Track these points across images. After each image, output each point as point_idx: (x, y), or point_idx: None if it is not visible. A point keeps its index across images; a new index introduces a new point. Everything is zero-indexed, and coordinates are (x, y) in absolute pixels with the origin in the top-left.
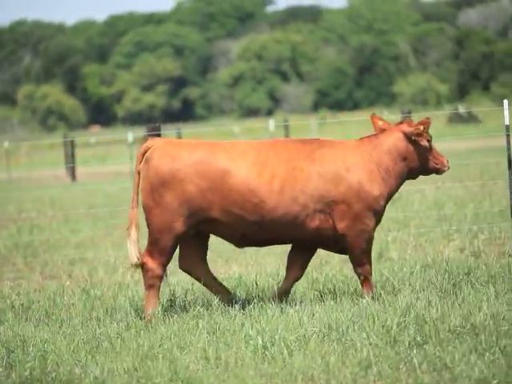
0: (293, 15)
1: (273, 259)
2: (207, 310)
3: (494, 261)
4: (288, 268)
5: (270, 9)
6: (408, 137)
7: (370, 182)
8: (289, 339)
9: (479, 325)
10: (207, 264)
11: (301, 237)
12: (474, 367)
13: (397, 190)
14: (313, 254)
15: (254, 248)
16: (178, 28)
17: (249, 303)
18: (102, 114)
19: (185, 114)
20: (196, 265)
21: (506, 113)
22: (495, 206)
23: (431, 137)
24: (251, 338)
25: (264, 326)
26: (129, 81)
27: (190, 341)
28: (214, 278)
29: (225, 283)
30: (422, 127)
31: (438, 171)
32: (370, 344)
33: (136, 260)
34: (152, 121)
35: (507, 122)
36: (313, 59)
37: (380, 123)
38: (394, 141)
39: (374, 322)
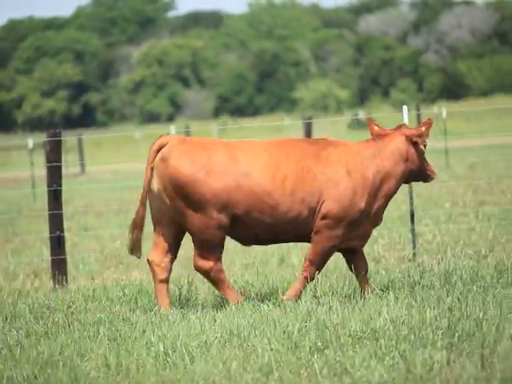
0: (194, 20)
1: (174, 266)
2: (108, 316)
3: (393, 266)
4: (352, 267)
5: (171, 14)
6: (410, 139)
7: (361, 190)
8: (190, 345)
9: (379, 329)
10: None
11: (308, 235)
12: (374, 371)
13: (396, 192)
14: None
15: None
16: (79, 33)
17: (150, 310)
18: (1, 119)
19: (85, 119)
20: (165, 261)
21: (406, 118)
22: (395, 211)
23: (425, 145)
24: (152, 345)
25: (165, 332)
26: (29, 86)
27: (90, 348)
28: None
29: (126, 290)
30: (423, 128)
31: (428, 178)
32: (272, 349)
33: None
34: (52, 126)
35: None
36: (213, 65)
37: (376, 128)
38: (397, 143)
39: (275, 327)
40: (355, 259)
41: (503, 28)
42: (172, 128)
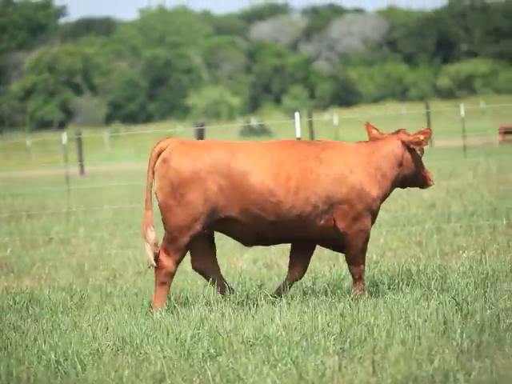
0: (85, 27)
1: (65, 272)
2: None
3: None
4: (291, 267)
5: (63, 21)
6: (406, 144)
7: (367, 182)
8: (82, 353)
9: (272, 336)
10: (218, 264)
11: (313, 235)
12: (267, 378)
13: (388, 195)
14: (313, 251)
15: (45, 262)
16: None
17: (42, 318)
18: None
19: None
20: (209, 265)
21: (298, 125)
22: None
23: (423, 151)
24: (44, 353)
25: (57, 340)
26: None
27: None
28: (222, 278)
29: (17, 298)
30: (421, 137)
31: (425, 185)
32: (164, 357)
33: (154, 263)
34: None
35: (299, 134)
36: (105, 71)
37: (374, 132)
38: (393, 147)
39: (167, 334)
40: (300, 261)
41: (393, 36)
42: (64, 135)
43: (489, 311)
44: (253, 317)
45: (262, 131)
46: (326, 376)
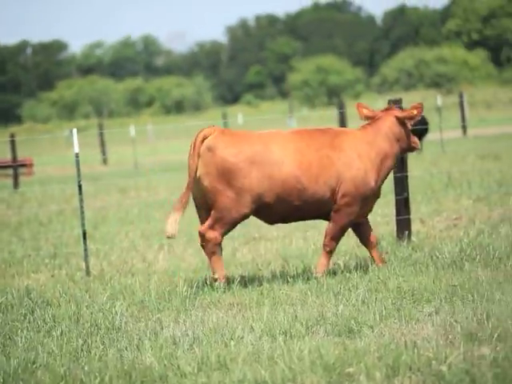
0: None
1: None
2: None
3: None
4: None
5: None
6: (400, 120)
7: (370, 171)
8: None
9: None
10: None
11: (326, 213)
12: None
13: (392, 169)
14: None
15: None
16: None
17: None
18: None
19: None
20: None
21: None
22: None
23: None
24: None
25: None
26: None
27: None
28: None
29: None
30: (415, 111)
31: (414, 150)
32: None
33: (170, 234)
34: None
35: None
36: None
37: (365, 111)
38: (390, 125)
39: None
40: (363, 228)
41: None
42: None
43: None
44: None
45: None
46: None
